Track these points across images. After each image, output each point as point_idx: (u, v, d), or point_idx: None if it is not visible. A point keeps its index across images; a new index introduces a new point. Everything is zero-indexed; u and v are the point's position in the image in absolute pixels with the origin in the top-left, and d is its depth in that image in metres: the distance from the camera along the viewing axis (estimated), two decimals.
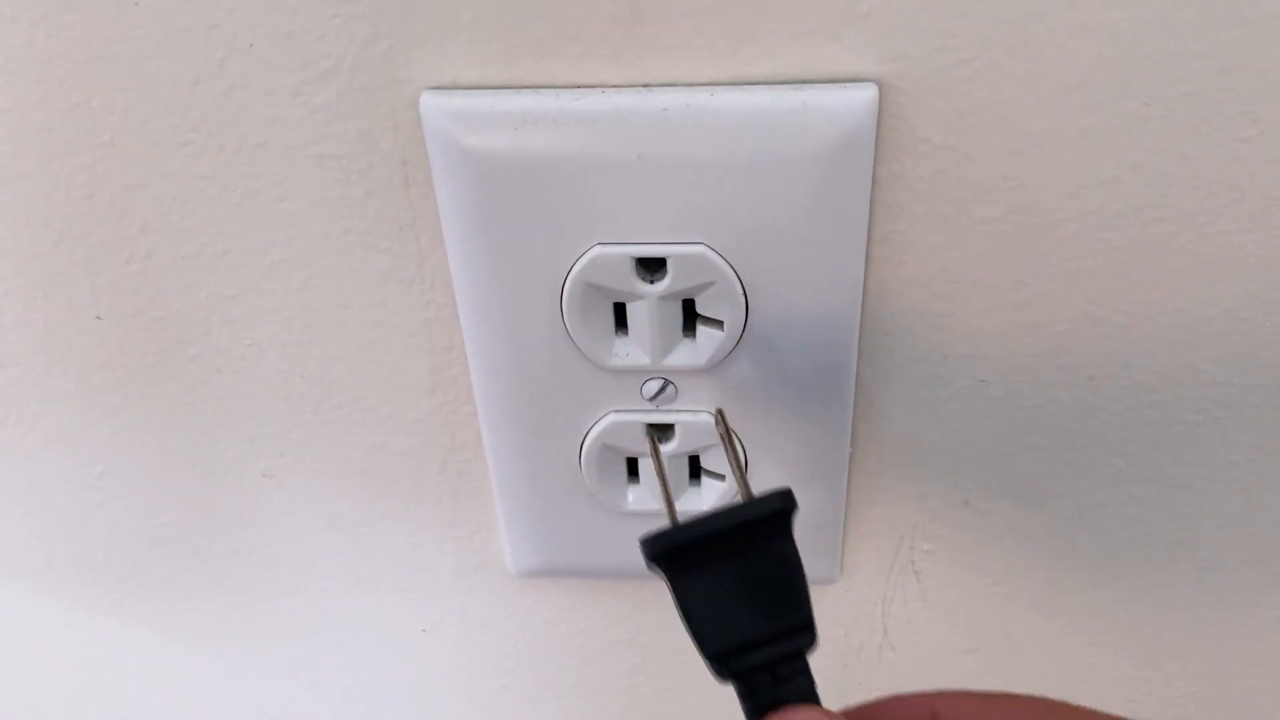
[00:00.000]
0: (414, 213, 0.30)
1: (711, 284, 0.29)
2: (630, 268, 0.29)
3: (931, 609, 0.38)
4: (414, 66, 0.28)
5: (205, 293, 0.33)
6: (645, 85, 0.27)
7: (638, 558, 0.37)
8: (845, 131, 0.27)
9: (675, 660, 0.41)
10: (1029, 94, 0.27)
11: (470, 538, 0.38)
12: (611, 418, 0.33)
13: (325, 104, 0.28)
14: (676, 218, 0.29)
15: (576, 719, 0.44)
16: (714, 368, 0.31)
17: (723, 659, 0.23)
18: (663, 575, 0.24)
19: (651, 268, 0.30)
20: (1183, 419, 0.32)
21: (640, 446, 0.33)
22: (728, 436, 0.29)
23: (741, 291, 0.29)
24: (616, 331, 0.31)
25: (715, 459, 0.34)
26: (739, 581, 0.24)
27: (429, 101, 0.28)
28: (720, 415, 0.30)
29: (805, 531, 0.35)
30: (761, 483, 0.34)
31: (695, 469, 0.35)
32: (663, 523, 0.25)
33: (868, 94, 0.27)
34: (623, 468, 0.34)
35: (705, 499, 0.35)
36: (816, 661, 0.24)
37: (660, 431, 0.33)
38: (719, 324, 0.30)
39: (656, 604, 0.40)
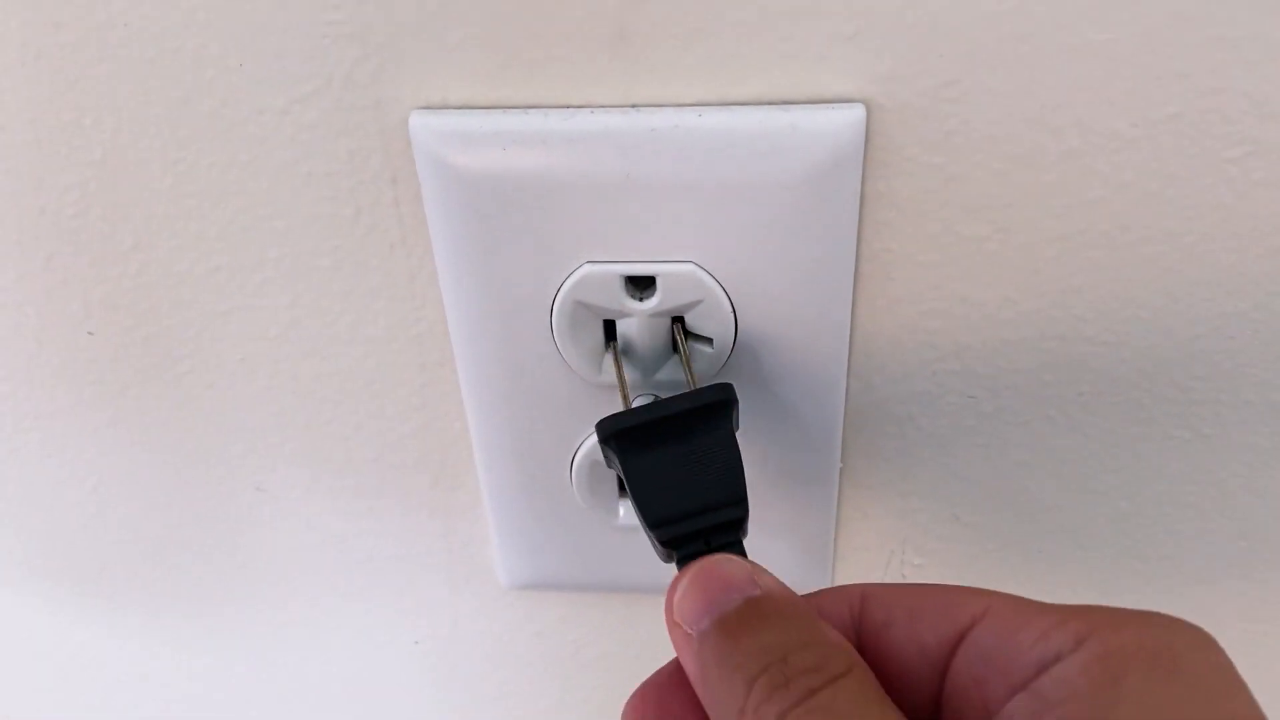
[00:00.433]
0: (404, 230, 0.30)
1: (700, 302, 0.29)
2: (620, 286, 0.29)
3: None
4: (403, 86, 0.28)
5: (197, 309, 0.33)
6: (633, 105, 0.27)
7: (630, 571, 0.37)
8: (833, 151, 0.27)
9: None
10: (1015, 114, 0.27)
11: (462, 550, 0.38)
12: None
13: (314, 123, 0.28)
14: (665, 236, 0.29)
15: None
16: None
17: (662, 525, 0.26)
18: (613, 453, 0.27)
19: (641, 285, 0.30)
20: (1171, 435, 0.32)
21: None
22: (683, 341, 0.30)
23: (730, 309, 0.30)
24: (606, 348, 0.31)
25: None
26: (680, 461, 0.27)
27: (418, 121, 0.28)
28: (679, 324, 0.30)
29: (797, 543, 0.35)
30: (753, 495, 0.34)
31: None
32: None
33: (855, 114, 0.27)
34: (613, 483, 0.34)
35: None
36: None
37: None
38: (708, 341, 0.30)
39: (647, 617, 0.40)
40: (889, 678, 0.22)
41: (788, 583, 0.23)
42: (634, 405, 0.29)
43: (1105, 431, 0.32)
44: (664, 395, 0.32)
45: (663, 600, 0.24)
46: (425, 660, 0.42)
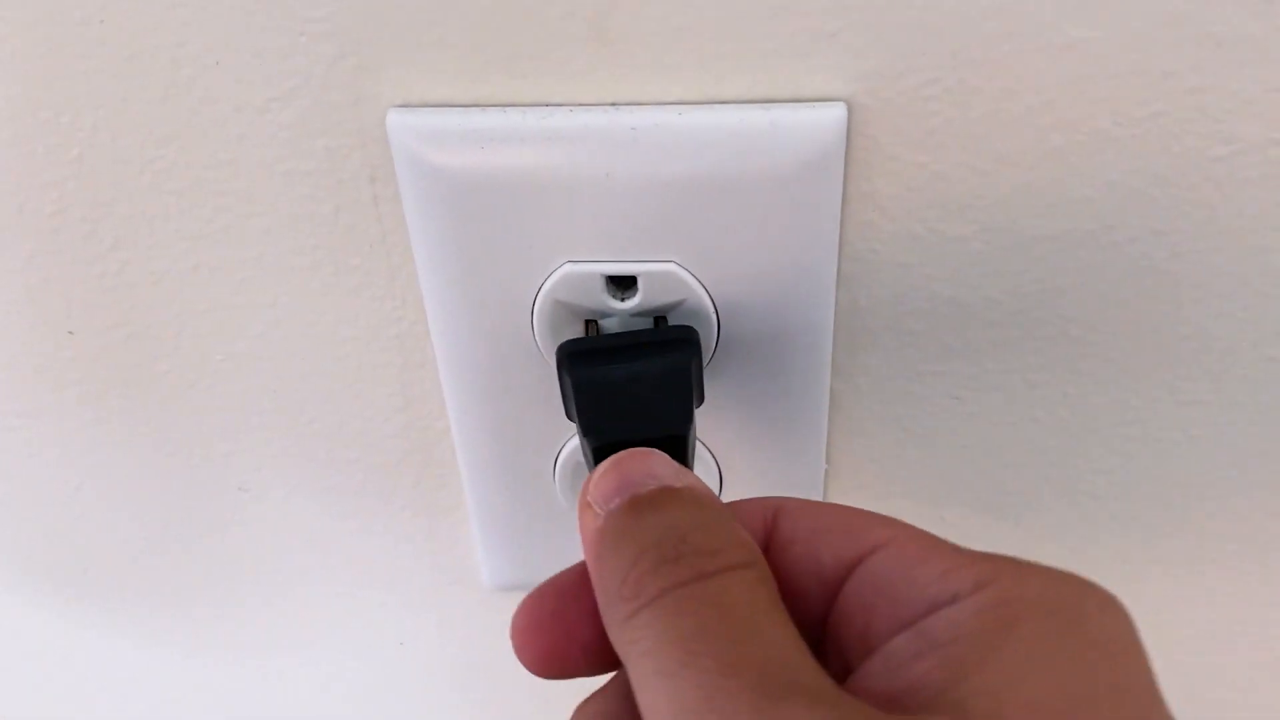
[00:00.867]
0: (383, 229, 0.30)
1: (682, 301, 0.29)
2: (600, 285, 0.29)
3: None
4: (381, 84, 0.27)
5: (177, 308, 0.32)
6: (613, 104, 0.27)
7: None
8: (814, 150, 0.27)
9: None
10: (999, 113, 0.26)
11: (446, 552, 0.38)
12: None
13: (293, 121, 0.28)
14: (646, 236, 0.28)
15: None
16: None
17: (596, 432, 0.26)
18: (565, 373, 0.27)
19: (622, 285, 0.30)
20: (1159, 437, 0.32)
21: None
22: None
23: (713, 309, 0.29)
24: None
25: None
26: (630, 384, 0.27)
27: (396, 119, 0.28)
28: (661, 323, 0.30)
29: None
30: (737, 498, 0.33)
31: None
32: None
33: (836, 113, 0.27)
34: None
35: None
36: None
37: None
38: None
39: None
40: (783, 596, 0.21)
41: None
42: None
43: (1092, 433, 0.32)
44: None
45: None
46: (410, 661, 0.42)
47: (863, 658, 0.19)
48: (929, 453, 0.33)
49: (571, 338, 0.29)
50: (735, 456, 0.33)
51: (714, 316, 0.29)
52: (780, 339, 0.30)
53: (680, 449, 0.27)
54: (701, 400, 0.29)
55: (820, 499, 0.34)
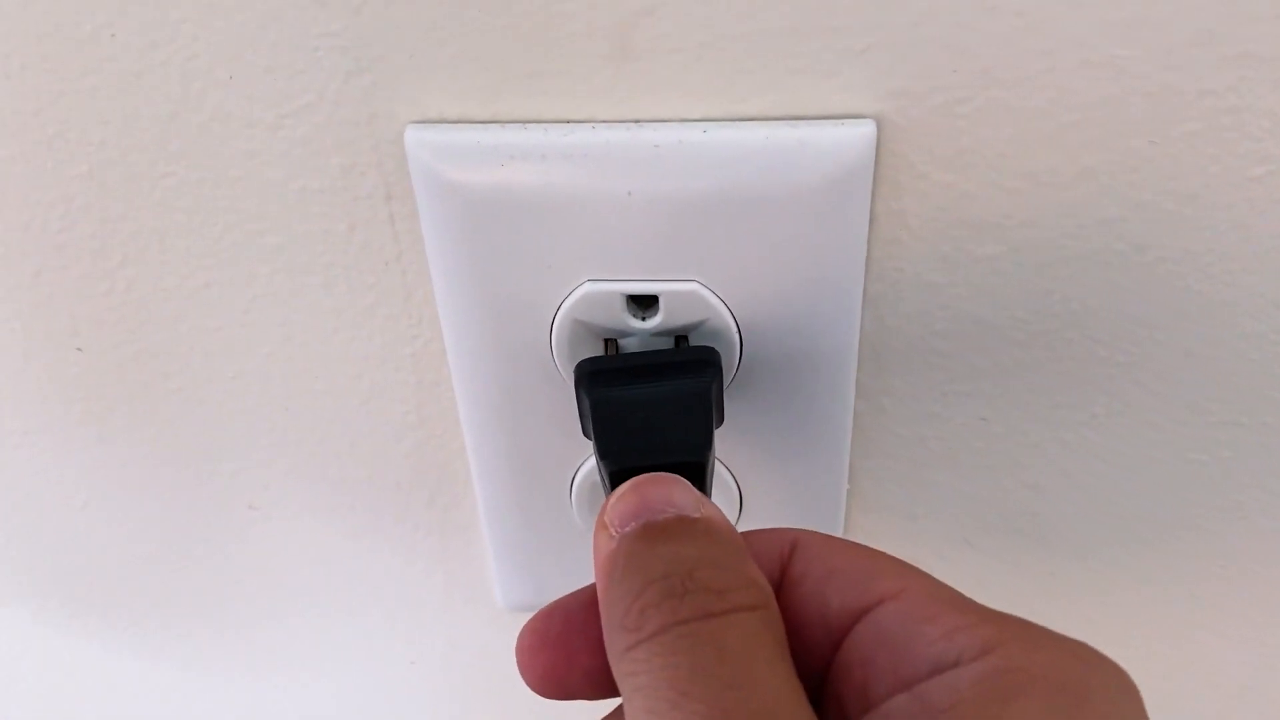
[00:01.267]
0: (399, 247, 0.30)
1: (704, 321, 0.29)
2: (621, 304, 0.28)
3: None
4: (398, 100, 0.27)
5: (187, 326, 0.32)
6: (636, 121, 0.27)
7: None
8: (842, 168, 0.26)
9: None
10: (1031, 131, 0.26)
11: (459, 571, 0.38)
12: None
13: (307, 138, 0.28)
14: (668, 254, 0.28)
15: None
16: None
17: (613, 456, 0.26)
18: (584, 393, 0.26)
19: (643, 304, 0.29)
20: (1188, 459, 0.31)
21: None
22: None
23: (735, 329, 0.29)
24: None
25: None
26: (649, 407, 0.26)
27: (414, 136, 0.27)
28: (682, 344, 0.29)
29: None
30: (759, 521, 0.33)
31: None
32: None
33: (865, 130, 0.26)
34: None
35: None
36: None
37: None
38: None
39: None
40: (787, 634, 0.20)
41: None
42: None
43: (1120, 455, 0.31)
44: None
45: None
46: (421, 682, 0.42)
47: (860, 714, 0.19)
48: (953, 474, 0.32)
49: (590, 356, 0.28)
50: (755, 477, 0.32)
51: (736, 337, 0.29)
52: (804, 359, 0.29)
53: (699, 476, 0.26)
54: (721, 421, 0.29)
55: (842, 520, 0.33)
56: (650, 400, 0.26)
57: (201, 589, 0.39)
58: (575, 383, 0.27)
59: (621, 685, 0.18)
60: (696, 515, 0.21)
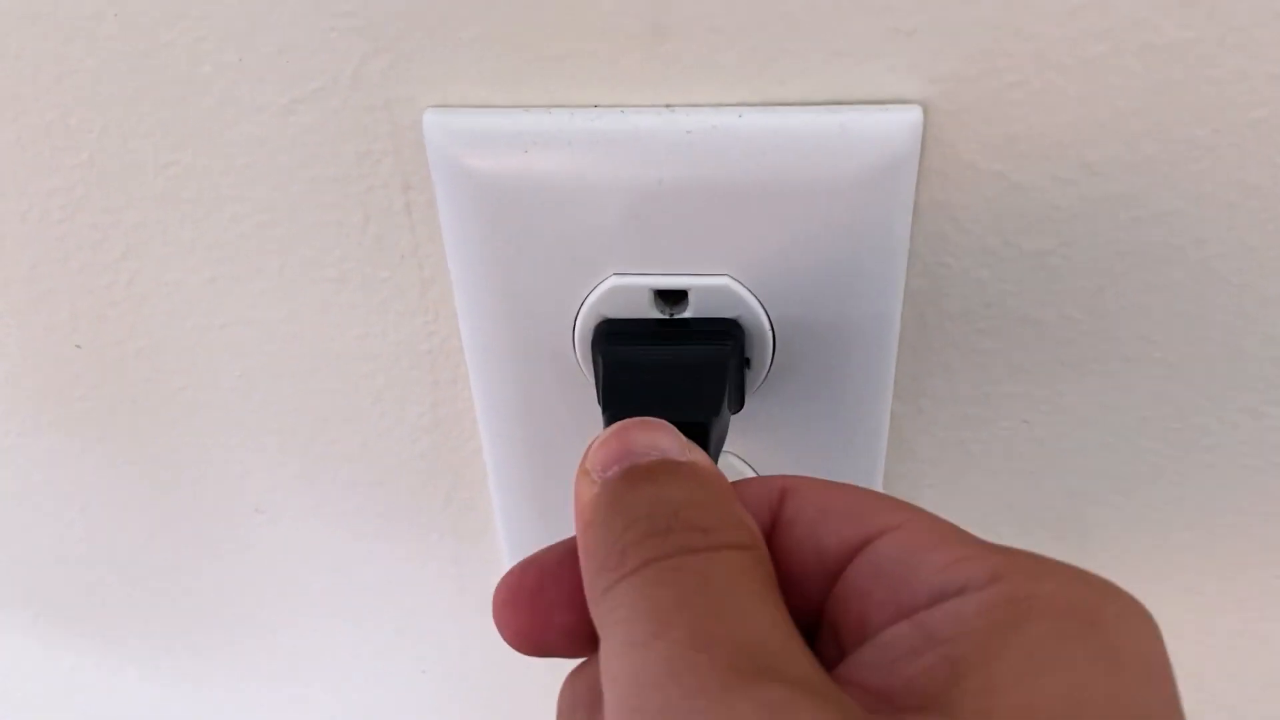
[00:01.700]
0: (416, 239, 0.28)
1: (736, 318, 0.27)
2: (649, 299, 0.27)
3: None
4: (416, 84, 0.26)
5: (191, 322, 0.31)
6: (668, 105, 0.25)
7: None
8: (886, 157, 0.25)
9: None
10: (1087, 119, 0.24)
11: (472, 576, 0.36)
12: None
13: (320, 123, 0.26)
14: (699, 247, 0.26)
15: None
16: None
17: (614, 408, 0.25)
18: (599, 352, 0.26)
19: (672, 299, 0.28)
20: (1242, 463, 0.30)
21: None
22: None
23: (769, 326, 0.27)
24: None
25: None
26: (663, 370, 0.26)
27: (433, 121, 0.26)
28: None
29: None
30: None
31: None
32: None
33: (911, 117, 0.25)
34: None
35: None
36: None
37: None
38: (744, 360, 0.28)
39: None
40: (779, 579, 0.19)
41: None
42: None
43: (1169, 460, 0.30)
44: None
45: None
46: (432, 688, 0.40)
47: (856, 645, 0.18)
48: (992, 478, 0.31)
49: (609, 318, 0.27)
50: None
51: (769, 334, 0.28)
52: (840, 359, 0.28)
53: (701, 439, 0.24)
54: (740, 406, 0.27)
55: None
56: (663, 362, 0.26)
57: (205, 595, 0.38)
58: (592, 343, 0.27)
59: (601, 628, 0.17)
60: (682, 459, 0.20)
